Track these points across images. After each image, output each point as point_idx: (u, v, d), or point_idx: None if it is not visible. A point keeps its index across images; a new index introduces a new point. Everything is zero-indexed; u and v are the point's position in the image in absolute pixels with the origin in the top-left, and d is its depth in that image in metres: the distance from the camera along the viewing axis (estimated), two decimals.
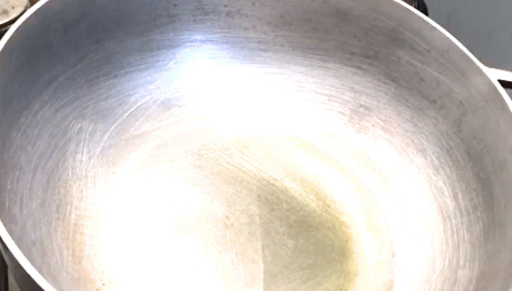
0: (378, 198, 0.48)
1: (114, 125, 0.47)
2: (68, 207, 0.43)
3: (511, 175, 0.42)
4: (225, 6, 0.50)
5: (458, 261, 0.43)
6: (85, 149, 0.45)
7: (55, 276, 0.38)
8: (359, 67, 0.51)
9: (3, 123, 0.39)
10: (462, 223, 0.44)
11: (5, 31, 0.41)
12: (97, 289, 0.40)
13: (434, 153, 0.47)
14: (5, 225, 0.33)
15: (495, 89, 0.44)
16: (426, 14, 0.62)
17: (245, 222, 0.45)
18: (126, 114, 0.48)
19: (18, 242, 0.33)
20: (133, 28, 0.48)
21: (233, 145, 0.49)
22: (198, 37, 0.51)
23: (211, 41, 0.51)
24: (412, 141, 0.49)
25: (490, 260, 0.41)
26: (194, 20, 0.50)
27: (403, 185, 0.48)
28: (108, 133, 0.47)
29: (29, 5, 0.51)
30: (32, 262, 0.32)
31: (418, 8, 0.60)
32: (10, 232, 0.33)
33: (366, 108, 0.50)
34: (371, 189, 0.48)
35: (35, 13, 0.42)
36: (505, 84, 0.45)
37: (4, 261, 0.36)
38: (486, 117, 0.45)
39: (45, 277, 0.32)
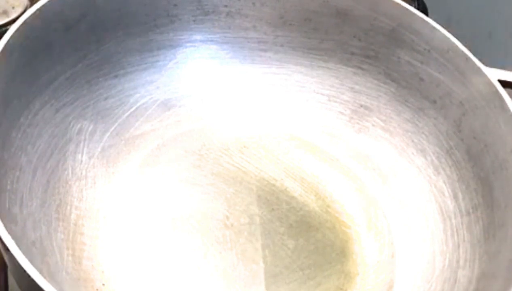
0: (378, 198, 0.48)
1: (114, 125, 0.47)
2: (68, 207, 0.43)
3: (511, 175, 0.42)
4: (225, 6, 0.50)
5: (458, 261, 0.43)
6: (85, 149, 0.45)
7: (55, 276, 0.38)
8: (359, 67, 0.51)
9: (3, 123, 0.39)
10: (462, 223, 0.44)
11: (5, 31, 0.41)
12: (97, 289, 0.40)
13: (434, 153, 0.47)
14: (5, 225, 0.33)
15: (495, 89, 0.44)
16: (426, 14, 0.62)
17: (245, 222, 0.45)
18: (126, 114, 0.48)
19: (18, 242, 0.33)
20: (133, 28, 0.48)
21: (233, 145, 0.49)
22: (198, 37, 0.51)
23: (211, 41, 0.51)
24: (412, 141, 0.49)
25: (490, 260, 0.41)
26: (194, 20, 0.50)
27: (403, 185, 0.48)
28: (108, 133, 0.47)
29: (29, 5, 0.51)
30: (32, 262, 0.32)
31: (418, 8, 0.60)
32: (10, 232, 0.33)
33: (366, 108, 0.50)
34: (371, 189, 0.48)
35: (35, 13, 0.42)
36: (505, 84, 0.45)
37: (4, 261, 0.36)
38: (486, 117, 0.45)
39: (45, 277, 0.32)
